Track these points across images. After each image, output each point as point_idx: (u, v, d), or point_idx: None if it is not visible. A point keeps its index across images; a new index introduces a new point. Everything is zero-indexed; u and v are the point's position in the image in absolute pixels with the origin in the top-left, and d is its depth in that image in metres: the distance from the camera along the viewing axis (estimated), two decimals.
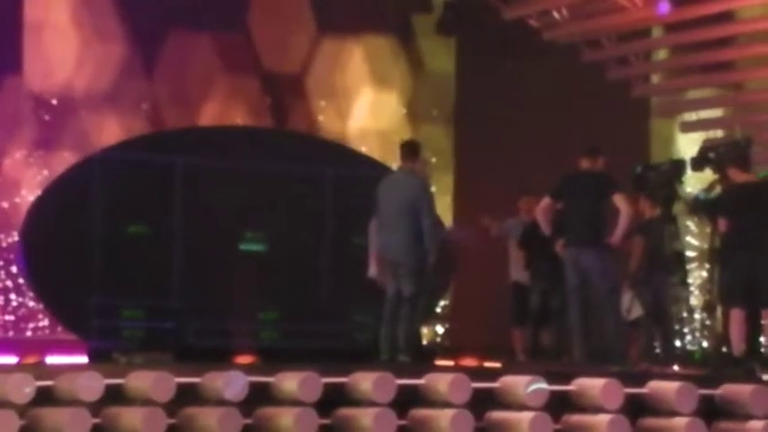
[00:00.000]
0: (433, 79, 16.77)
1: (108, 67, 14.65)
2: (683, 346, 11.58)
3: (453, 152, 16.68)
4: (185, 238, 12.56)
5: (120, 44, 14.69)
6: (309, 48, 15.92)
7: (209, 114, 15.41)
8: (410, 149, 10.13)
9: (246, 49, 15.51)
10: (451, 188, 16.55)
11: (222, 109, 15.46)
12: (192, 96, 15.31)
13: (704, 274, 10.46)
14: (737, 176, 9.63)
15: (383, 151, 16.21)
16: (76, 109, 14.71)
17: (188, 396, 7.44)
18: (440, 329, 16.32)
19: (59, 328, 13.47)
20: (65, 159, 14.43)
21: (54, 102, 14.78)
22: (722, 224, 9.64)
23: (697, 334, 11.11)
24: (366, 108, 16.37)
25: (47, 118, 14.74)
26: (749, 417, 7.81)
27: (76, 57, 14.49)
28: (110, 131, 14.80)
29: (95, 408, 7.24)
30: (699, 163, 10.32)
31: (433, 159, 15.25)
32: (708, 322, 10.17)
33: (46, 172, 14.66)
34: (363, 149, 16.05)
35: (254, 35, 15.52)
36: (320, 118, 16.03)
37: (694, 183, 11.38)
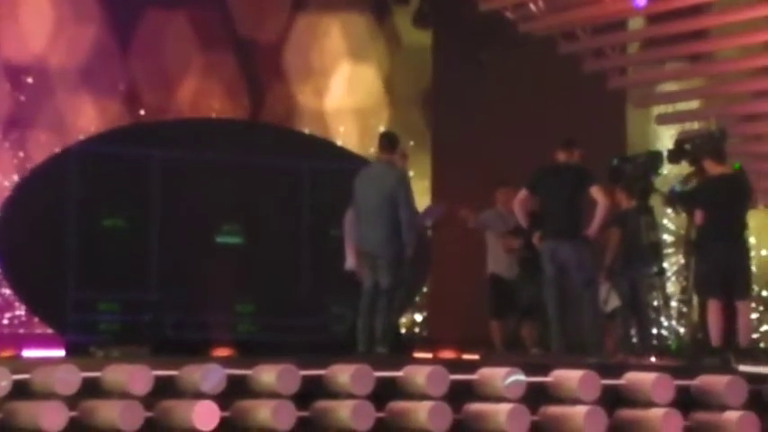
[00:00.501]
0: (410, 55, 16.67)
1: (83, 45, 14.48)
2: (660, 337, 11.65)
3: (431, 143, 16.66)
4: (162, 231, 12.54)
5: (96, 23, 14.52)
6: (286, 24, 15.81)
7: (186, 93, 15.28)
8: (388, 141, 10.12)
9: (223, 27, 15.37)
10: (429, 172, 16.50)
11: (199, 87, 15.32)
12: (169, 75, 15.16)
13: (681, 264, 10.49)
14: (713, 168, 9.68)
15: (361, 130, 16.19)
16: (52, 88, 14.51)
17: (165, 389, 7.42)
18: (418, 320, 16.32)
19: (36, 322, 13.41)
20: (40, 142, 14.29)
21: (29, 80, 14.58)
22: (698, 216, 9.69)
23: (673, 325, 11.15)
24: (343, 85, 16.27)
25: (22, 98, 14.55)
26: (725, 407, 7.86)
27: (52, 34, 14.32)
28: (86, 112, 14.63)
29: (72, 401, 7.22)
30: (675, 155, 10.38)
31: (411, 143, 15.22)
32: (684, 312, 10.21)
33: (21, 154, 14.47)
34: (341, 129, 16.00)
35: (230, 12, 15.39)
36: (297, 95, 15.92)
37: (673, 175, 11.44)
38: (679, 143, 10.53)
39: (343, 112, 16.28)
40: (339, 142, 15.26)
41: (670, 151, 10.46)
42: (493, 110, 15.08)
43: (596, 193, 9.95)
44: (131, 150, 12.55)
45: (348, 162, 12.50)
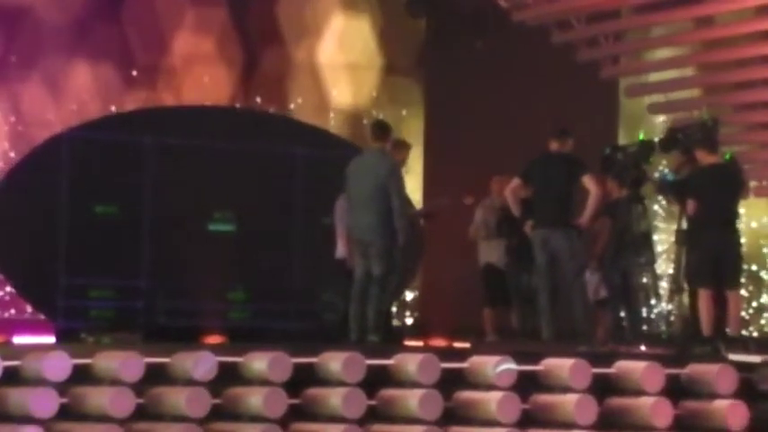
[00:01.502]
0: (403, 8, 16.56)
1: (75, 2, 14.36)
2: (651, 326, 11.67)
3: (423, 134, 16.65)
4: (154, 218, 12.52)
5: None
6: None
7: (179, 49, 15.14)
8: (380, 129, 10.11)
9: None
10: (422, 139, 16.44)
11: (192, 43, 15.20)
12: (161, 31, 15.03)
13: (672, 254, 10.51)
14: (705, 158, 9.69)
15: (355, 87, 16.09)
16: (44, 47, 14.37)
17: (157, 376, 7.42)
18: (410, 309, 16.34)
19: (28, 308, 13.40)
20: (33, 106, 14.17)
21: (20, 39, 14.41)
22: (690, 205, 9.70)
23: (664, 314, 11.18)
24: (336, 40, 16.16)
25: (13, 59, 14.40)
26: (715, 396, 7.89)
27: None
28: (79, 72, 14.51)
29: (63, 388, 7.22)
30: (667, 144, 10.39)
31: (404, 112, 15.18)
32: (675, 302, 10.24)
33: (13, 119, 14.35)
34: (335, 89, 15.90)
35: None
36: (291, 49, 15.82)
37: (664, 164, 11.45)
38: (671, 132, 10.54)
39: (336, 67, 16.15)
40: (333, 95, 15.16)
41: (662, 141, 10.47)
42: (486, 99, 15.07)
43: (588, 182, 9.97)
44: (124, 137, 12.53)
45: (340, 150, 12.49)
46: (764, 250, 14.67)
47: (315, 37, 16.09)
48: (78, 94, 14.22)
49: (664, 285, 11.67)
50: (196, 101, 14.83)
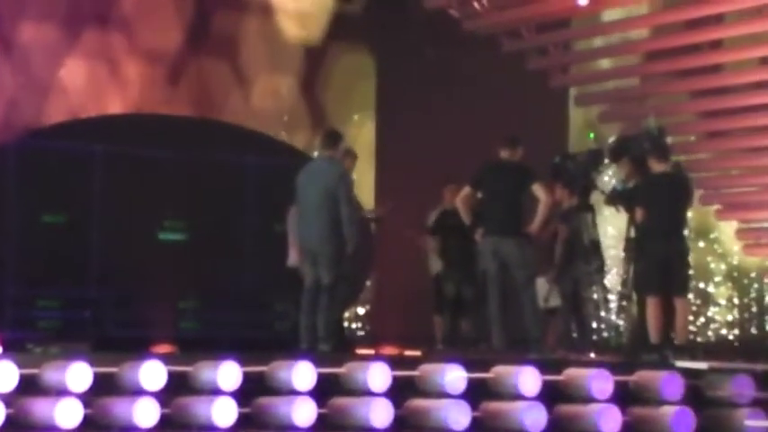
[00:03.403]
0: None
1: None
2: (600, 333, 11.76)
3: (375, 141, 16.67)
4: (103, 227, 12.43)
5: None
6: None
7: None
8: (330, 138, 10.11)
9: None
10: (373, 148, 16.45)
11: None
12: None
13: (620, 262, 10.60)
14: (655, 166, 9.78)
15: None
16: None
17: (105, 386, 7.36)
18: (360, 318, 16.33)
19: None
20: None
21: None
22: (639, 214, 9.79)
23: (613, 321, 11.27)
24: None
25: None
26: (662, 402, 7.96)
27: None
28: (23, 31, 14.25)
29: (9, 398, 7.13)
30: (616, 153, 10.48)
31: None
32: (623, 310, 10.32)
33: None
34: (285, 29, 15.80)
35: None
36: None
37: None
38: (620, 141, 10.64)
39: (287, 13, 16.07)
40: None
41: (611, 149, 10.56)
42: (437, 108, 15.12)
43: (538, 190, 10.02)
44: (73, 145, 12.43)
45: (292, 158, 12.47)
46: (712, 266, 14.88)
47: None
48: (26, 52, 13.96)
49: (613, 293, 11.76)
50: (146, 49, 14.61)
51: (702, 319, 14.68)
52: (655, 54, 13.77)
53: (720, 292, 14.88)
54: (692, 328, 13.33)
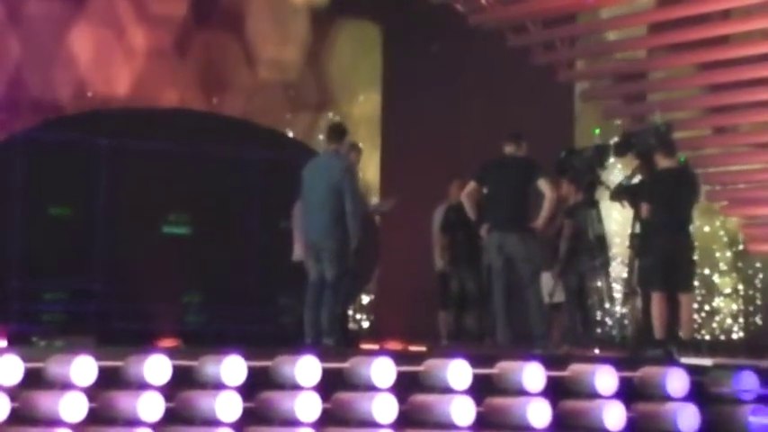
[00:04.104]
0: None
1: None
2: (604, 329, 11.75)
3: (380, 134, 16.66)
4: (108, 220, 12.43)
5: None
6: None
7: None
8: (336, 132, 10.10)
9: None
10: (378, 143, 16.43)
11: None
12: None
13: (626, 258, 10.60)
14: (661, 162, 9.77)
15: None
16: None
17: (110, 380, 7.37)
18: (365, 313, 16.35)
19: None
20: None
21: None
22: (644, 209, 9.78)
23: (618, 317, 11.26)
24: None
25: None
26: (667, 398, 7.96)
27: None
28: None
29: (14, 392, 7.14)
30: (621, 149, 10.46)
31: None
32: (628, 305, 10.31)
33: None
34: None
35: None
36: None
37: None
38: (626, 137, 10.62)
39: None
40: None
41: (617, 145, 10.55)
42: (443, 103, 15.10)
43: (543, 185, 10.00)
44: (78, 138, 12.43)
45: (297, 153, 12.47)
46: (717, 254, 14.87)
47: None
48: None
49: (618, 289, 11.76)
50: (153, 19, 14.57)
51: (707, 308, 14.68)
52: (660, 25, 13.67)
53: (725, 282, 14.87)
54: (696, 317, 13.30)
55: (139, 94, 14.96)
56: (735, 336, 14.73)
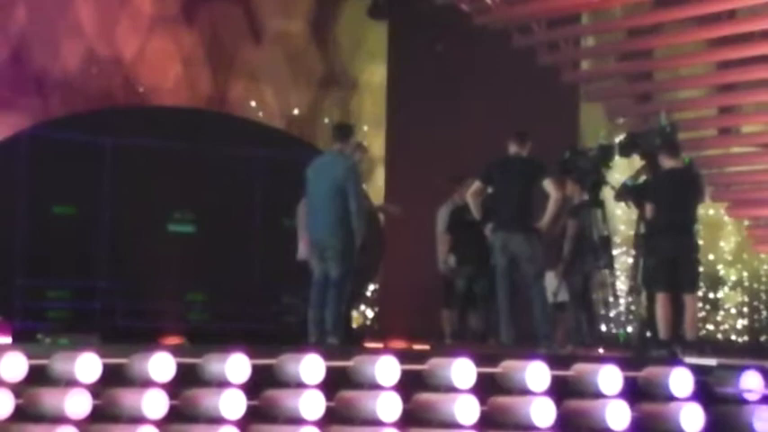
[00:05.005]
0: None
1: None
2: (609, 329, 11.75)
3: (385, 130, 16.67)
4: (113, 218, 12.46)
5: None
6: None
7: None
8: (341, 131, 10.11)
9: None
10: (383, 141, 16.45)
11: None
12: None
13: (630, 258, 10.60)
14: (666, 162, 9.76)
15: None
16: None
17: (114, 377, 7.37)
18: (369, 312, 16.36)
19: None
20: None
21: None
22: (648, 210, 9.77)
23: (622, 317, 11.27)
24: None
25: None
26: (671, 398, 7.95)
27: None
28: None
29: (18, 389, 7.15)
30: (626, 149, 10.46)
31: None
32: (633, 306, 10.31)
33: None
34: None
35: None
36: None
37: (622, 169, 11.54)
38: (630, 137, 10.62)
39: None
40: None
41: (621, 145, 10.54)
42: (448, 103, 15.10)
43: (549, 186, 9.99)
44: (83, 137, 12.45)
45: (301, 152, 12.48)
46: (722, 273, 14.87)
47: None
48: None
49: (622, 289, 11.76)
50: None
51: (711, 327, 14.68)
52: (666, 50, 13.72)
53: (730, 297, 14.88)
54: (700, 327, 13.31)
55: (144, 65, 14.95)
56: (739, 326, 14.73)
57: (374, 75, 16.77)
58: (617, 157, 10.66)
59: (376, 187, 15.90)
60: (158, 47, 15.03)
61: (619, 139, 11.22)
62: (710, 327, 14.79)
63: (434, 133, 15.15)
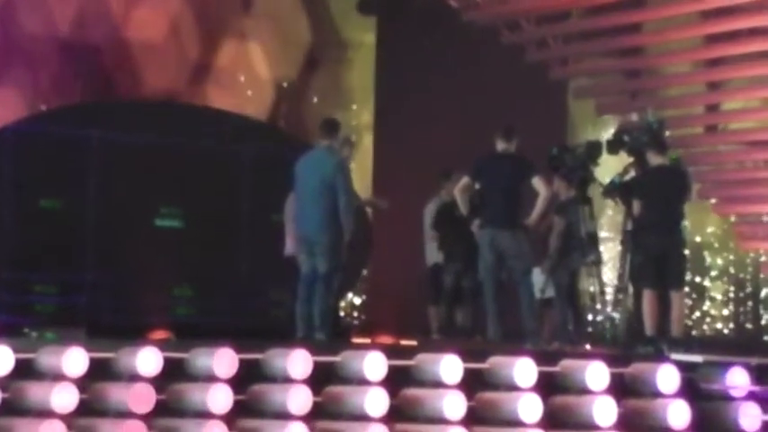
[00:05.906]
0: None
1: None
2: (595, 325, 11.77)
3: (373, 130, 16.66)
4: (100, 212, 12.41)
5: None
6: None
7: None
8: (329, 127, 10.10)
9: None
10: (371, 138, 16.44)
11: None
12: None
13: (617, 255, 10.62)
14: (653, 159, 9.79)
15: None
16: None
17: (101, 371, 7.36)
18: (357, 304, 16.35)
19: None
20: None
21: None
22: (636, 207, 9.79)
23: (609, 313, 11.28)
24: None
25: None
26: (657, 394, 7.97)
27: None
28: None
29: (4, 383, 7.13)
30: (614, 146, 10.48)
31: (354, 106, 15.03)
32: (620, 302, 10.33)
33: None
34: None
35: None
36: None
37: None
38: (618, 134, 10.64)
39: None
40: None
41: (609, 142, 10.56)
42: (436, 99, 15.10)
43: (538, 184, 10.00)
44: (69, 131, 12.41)
45: (289, 146, 12.46)
46: (708, 261, 14.89)
47: None
48: None
49: (609, 285, 11.78)
50: None
51: (698, 313, 14.73)
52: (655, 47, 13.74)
53: (716, 286, 14.91)
54: (686, 321, 13.33)
55: (132, 27, 14.83)
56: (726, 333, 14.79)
57: (364, 43, 16.71)
58: (605, 154, 10.68)
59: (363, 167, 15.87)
60: (147, 11, 14.91)
61: (606, 136, 11.25)
62: (697, 314, 14.84)
63: (423, 129, 15.14)
